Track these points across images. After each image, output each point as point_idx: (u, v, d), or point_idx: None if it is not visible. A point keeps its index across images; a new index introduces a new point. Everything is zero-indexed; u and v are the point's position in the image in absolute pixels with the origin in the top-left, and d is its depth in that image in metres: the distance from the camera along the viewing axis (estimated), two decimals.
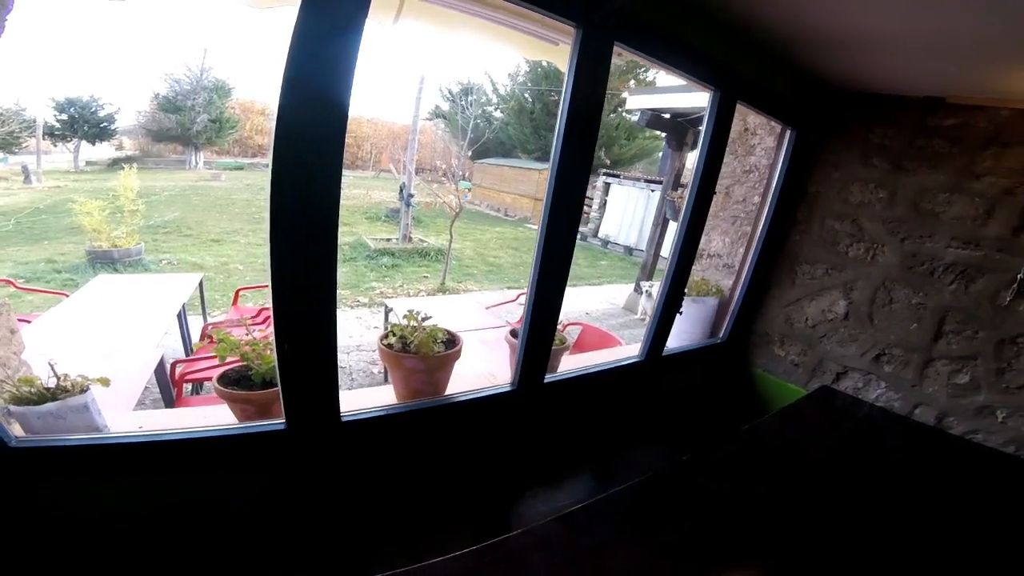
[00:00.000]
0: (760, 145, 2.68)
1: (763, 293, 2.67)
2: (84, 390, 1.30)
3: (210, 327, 2.77)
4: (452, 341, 1.70)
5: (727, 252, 2.82)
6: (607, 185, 15.05)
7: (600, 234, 14.60)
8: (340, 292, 6.39)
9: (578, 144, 1.51)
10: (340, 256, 1.19)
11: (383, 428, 1.44)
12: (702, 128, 2.05)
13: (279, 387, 1.22)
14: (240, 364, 1.42)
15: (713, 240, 2.91)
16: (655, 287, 2.67)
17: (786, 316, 2.60)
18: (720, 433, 1.75)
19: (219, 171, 18.32)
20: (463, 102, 19.99)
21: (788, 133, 2.44)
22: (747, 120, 2.73)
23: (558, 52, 1.73)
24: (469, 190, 18.41)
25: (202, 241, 8.54)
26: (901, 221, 2.19)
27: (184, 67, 19.53)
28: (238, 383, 1.36)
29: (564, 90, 1.46)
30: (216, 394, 1.32)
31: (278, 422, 1.27)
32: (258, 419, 1.34)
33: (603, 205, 14.98)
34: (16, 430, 1.16)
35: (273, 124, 1.01)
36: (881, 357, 2.29)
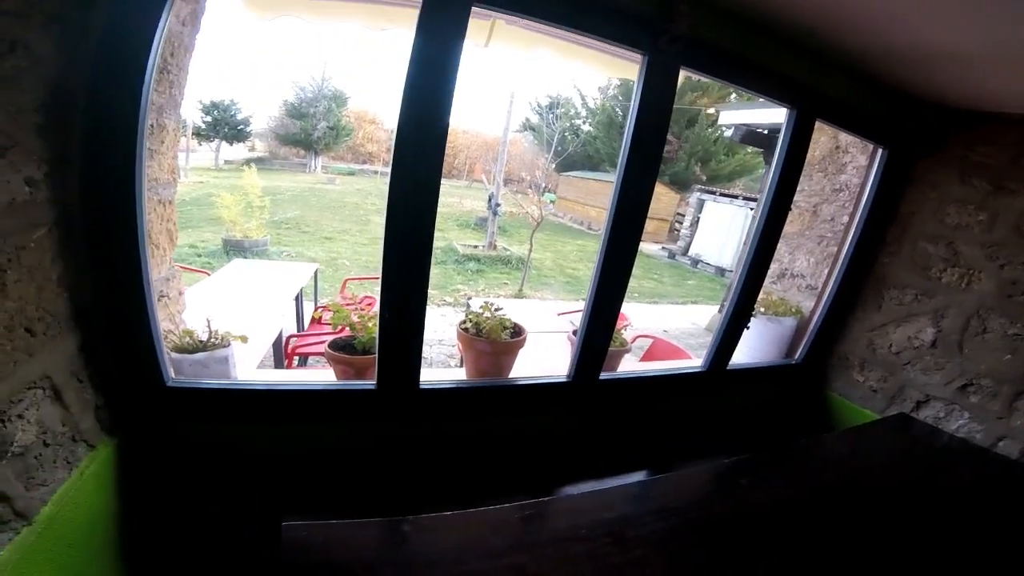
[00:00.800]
0: (851, 163, 2.61)
1: (846, 316, 2.59)
2: (227, 344, 1.66)
3: (321, 309, 3.22)
4: (518, 331, 1.92)
5: (811, 272, 2.76)
6: (701, 202, 14.54)
7: (691, 252, 14.11)
8: (429, 291, 6.85)
9: (641, 164, 1.65)
10: (432, 258, 1.45)
11: (452, 398, 1.68)
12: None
13: (376, 355, 1.50)
14: (347, 336, 1.73)
15: (797, 260, 2.86)
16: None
17: (868, 340, 2.50)
18: (777, 445, 1.79)
19: (333, 175, 20.20)
20: (551, 115, 20.48)
21: (879, 152, 2.37)
22: (839, 138, 2.68)
23: (636, 69, 1.88)
24: (553, 202, 18.66)
25: (317, 238, 9.58)
26: (1001, 246, 2.06)
27: (309, 77, 21.86)
28: (343, 349, 1.66)
29: (631, 111, 1.62)
30: (325, 356, 1.64)
31: (370, 383, 1.55)
32: (355, 380, 1.64)
33: (695, 222, 14.49)
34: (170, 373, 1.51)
35: (393, 137, 1.28)
36: (968, 387, 2.15)
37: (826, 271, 2.64)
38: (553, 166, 14.08)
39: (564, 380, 1.91)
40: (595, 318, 1.81)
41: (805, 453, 1.77)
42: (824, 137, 2.80)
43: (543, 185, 9.48)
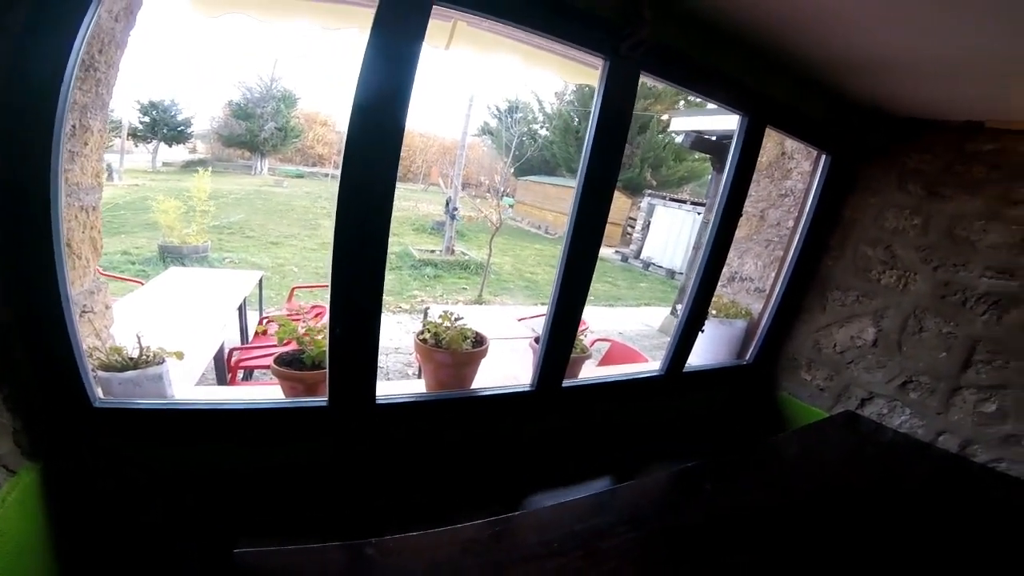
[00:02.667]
0: (796, 169, 2.71)
1: (792, 318, 2.68)
2: (161, 362, 1.52)
3: (267, 320, 3.04)
4: (480, 341, 1.86)
5: (759, 276, 2.85)
6: (652, 206, 14.96)
7: (642, 255, 14.50)
8: (384, 298, 6.70)
9: (602, 169, 1.64)
10: (387, 264, 1.37)
11: (411, 413, 1.60)
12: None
13: (326, 369, 1.40)
14: (294, 349, 1.61)
15: (746, 263, 2.95)
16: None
17: (814, 341, 2.60)
18: (736, 447, 1.81)
19: (282, 178, 19.46)
20: (509, 119, 20.56)
21: (823, 158, 2.47)
22: (784, 144, 2.78)
23: (596, 75, 1.87)
24: (512, 206, 18.75)
25: (262, 243, 9.15)
26: (934, 249, 2.18)
27: (256, 77, 20.97)
28: (291, 364, 1.55)
29: (591, 116, 1.60)
30: (272, 372, 1.52)
31: (322, 399, 1.45)
32: (305, 396, 1.53)
33: (647, 226, 14.89)
34: (98, 393, 1.37)
35: (344, 138, 1.20)
36: (907, 384, 2.26)
37: (773, 274, 2.73)
38: (511, 170, 14.14)
39: (527, 389, 1.87)
40: (557, 326, 1.77)
41: (763, 455, 1.80)
42: (771, 143, 2.90)
43: (502, 189, 9.47)
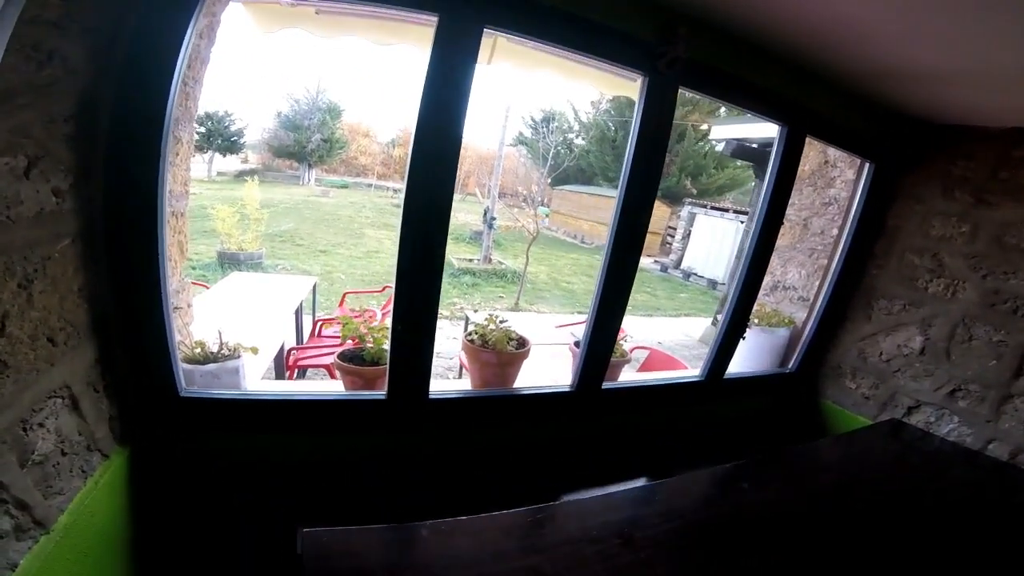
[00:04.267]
0: (840, 178, 2.70)
1: (837, 326, 2.66)
2: (238, 356, 1.68)
3: (320, 322, 3.25)
4: (523, 343, 1.96)
5: (803, 285, 2.84)
6: (692, 215, 14.71)
7: (683, 265, 14.24)
8: None
9: (642, 181, 1.72)
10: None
11: (460, 408, 1.71)
12: None
13: (387, 364, 1.53)
14: (355, 347, 1.76)
15: (789, 272, 2.94)
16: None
17: (859, 350, 2.57)
18: (774, 450, 1.83)
19: (327, 188, 20.17)
20: (544, 129, 20.71)
21: (866, 166, 2.46)
22: (827, 152, 2.77)
23: (635, 87, 1.95)
24: (547, 216, 18.81)
25: (311, 251, 9.58)
26: (983, 257, 2.14)
27: (304, 89, 21.86)
28: (352, 360, 1.69)
29: (632, 130, 1.68)
30: (335, 367, 1.66)
31: (380, 393, 1.58)
32: (364, 390, 1.66)
33: (687, 235, 14.64)
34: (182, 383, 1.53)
35: (410, 149, 1.34)
36: (956, 393, 2.22)
37: (817, 283, 2.72)
38: (547, 180, 14.27)
39: (568, 390, 1.95)
40: (598, 329, 1.85)
41: (801, 457, 1.82)
42: (813, 152, 2.90)
43: (538, 199, 9.59)
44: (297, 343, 3.73)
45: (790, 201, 2.95)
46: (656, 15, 1.56)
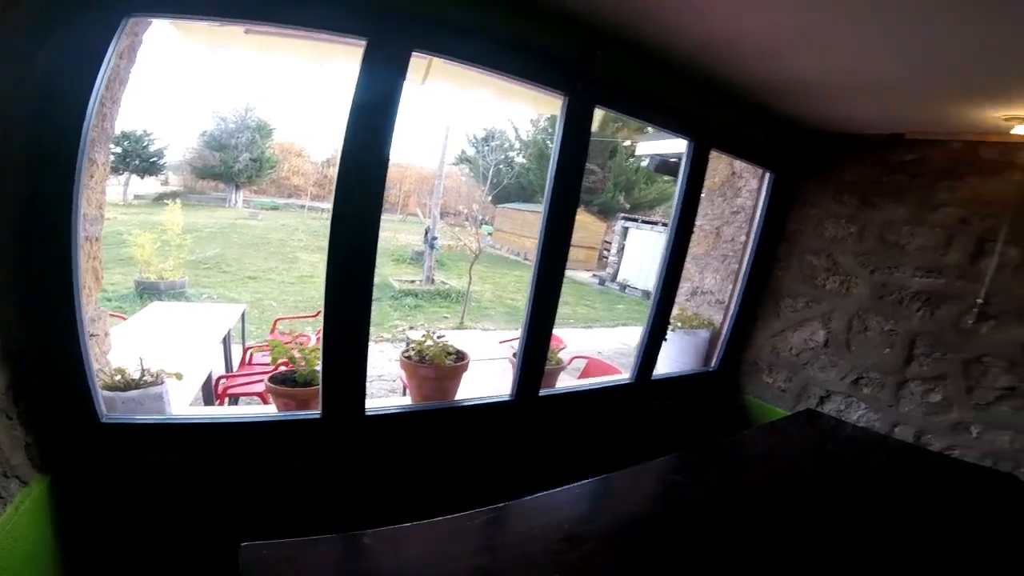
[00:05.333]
0: (746, 188, 2.96)
1: (750, 325, 2.88)
2: (161, 382, 1.61)
3: (251, 350, 3.12)
4: (461, 356, 1.99)
5: (718, 288, 3.06)
6: (625, 229, 15.30)
7: (619, 278, 14.75)
8: None
9: (564, 196, 1.83)
10: (374, 284, 1.51)
11: (398, 422, 1.71)
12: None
13: (320, 384, 1.52)
14: (287, 370, 1.72)
15: (706, 278, 3.16)
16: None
17: (772, 346, 2.79)
18: (705, 443, 1.96)
19: (256, 210, 19.25)
20: (486, 148, 20.92)
21: (767, 176, 2.71)
22: (734, 165, 3.03)
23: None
24: (491, 234, 18.97)
25: (239, 278, 9.12)
26: (870, 254, 2.41)
27: (231, 107, 20.80)
28: (284, 383, 1.66)
29: (553, 148, 1.79)
30: (267, 390, 1.62)
31: (315, 412, 1.56)
32: (299, 411, 1.63)
33: (621, 249, 15.21)
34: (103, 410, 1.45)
35: (337, 170, 1.36)
36: (860, 381, 2.45)
37: (731, 286, 2.94)
38: (489, 198, 14.41)
39: (507, 399, 2.00)
40: (531, 339, 1.92)
41: (729, 449, 1.96)
42: (722, 165, 3.15)
43: (480, 217, 9.67)
44: (227, 372, 3.55)
45: (703, 212, 3.22)
46: (575, 38, 1.68)
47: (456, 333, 6.67)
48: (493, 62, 1.59)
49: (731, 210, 3.03)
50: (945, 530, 1.50)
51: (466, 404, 1.90)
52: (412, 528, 1.15)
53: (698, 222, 3.32)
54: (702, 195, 3.38)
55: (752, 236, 2.78)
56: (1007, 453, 2.05)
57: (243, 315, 3.93)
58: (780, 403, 2.77)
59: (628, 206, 20.54)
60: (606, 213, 19.82)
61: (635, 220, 15.17)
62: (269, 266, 10.39)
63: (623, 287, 14.23)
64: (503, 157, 21.96)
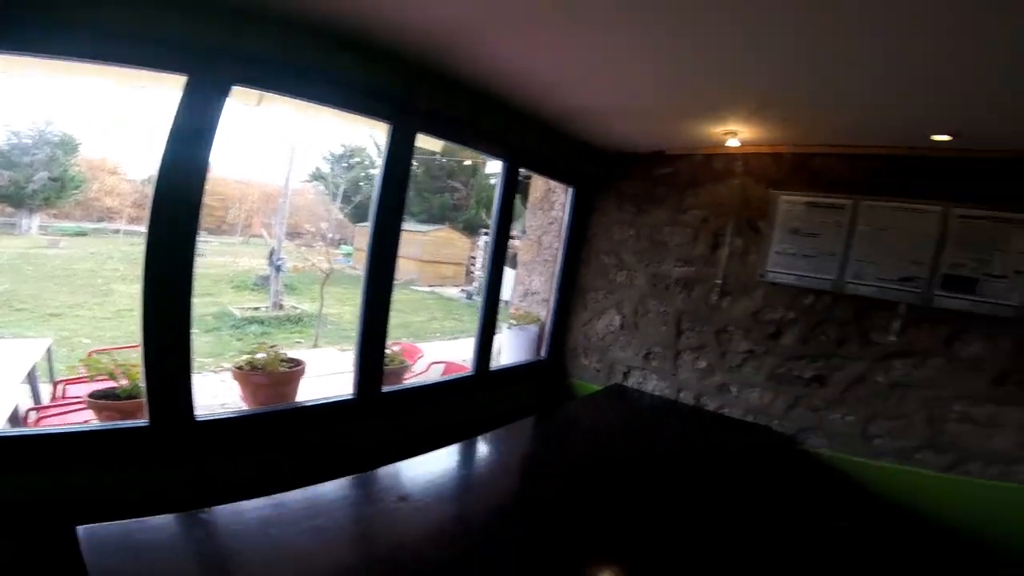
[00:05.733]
0: (558, 201, 3.49)
1: (568, 318, 3.38)
2: None
3: (63, 383, 2.80)
4: (296, 363, 2.11)
5: (543, 289, 3.55)
6: (487, 244, 15.95)
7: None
8: (204, 359, 6.25)
9: (389, 214, 2.08)
10: (203, 327, 1.58)
11: (234, 426, 1.77)
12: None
13: (144, 394, 1.54)
14: (108, 387, 1.69)
15: (534, 281, 3.64)
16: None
17: (584, 333, 3.32)
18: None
19: (57, 237, 16.19)
20: (342, 164, 20.17)
21: (570, 190, 3.26)
22: (549, 182, 3.55)
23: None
24: (350, 255, 18.32)
25: (38, 316, 7.70)
26: (644, 251, 3.04)
27: (28, 120, 17.29)
28: (106, 398, 1.64)
29: (380, 170, 2.05)
30: (88, 406, 1.59)
31: (142, 421, 1.57)
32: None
33: (484, 264, 15.83)
34: None
35: (152, 193, 1.42)
36: (649, 355, 3.06)
37: (552, 286, 3.44)
38: (343, 216, 13.89)
39: (349, 397, 2.15)
40: (366, 339, 2.12)
41: (553, 418, 2.37)
42: (540, 182, 3.68)
43: (334, 236, 9.40)
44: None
45: (529, 223, 3.71)
46: (399, 74, 1.93)
47: (311, 352, 6.48)
48: (319, 96, 1.80)
49: (548, 221, 3.56)
50: (720, 480, 2.03)
51: (307, 404, 2.02)
52: (249, 503, 1.28)
53: (526, 232, 3.82)
54: (527, 209, 3.90)
55: (563, 242, 3.30)
56: (759, 408, 2.69)
57: (49, 351, 3.47)
58: (596, 381, 3.28)
59: (489, 222, 21.32)
60: (471, 229, 20.39)
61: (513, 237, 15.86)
62: (77, 301, 8.90)
63: None
64: (363, 174, 21.38)
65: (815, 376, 2.50)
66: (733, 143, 2.47)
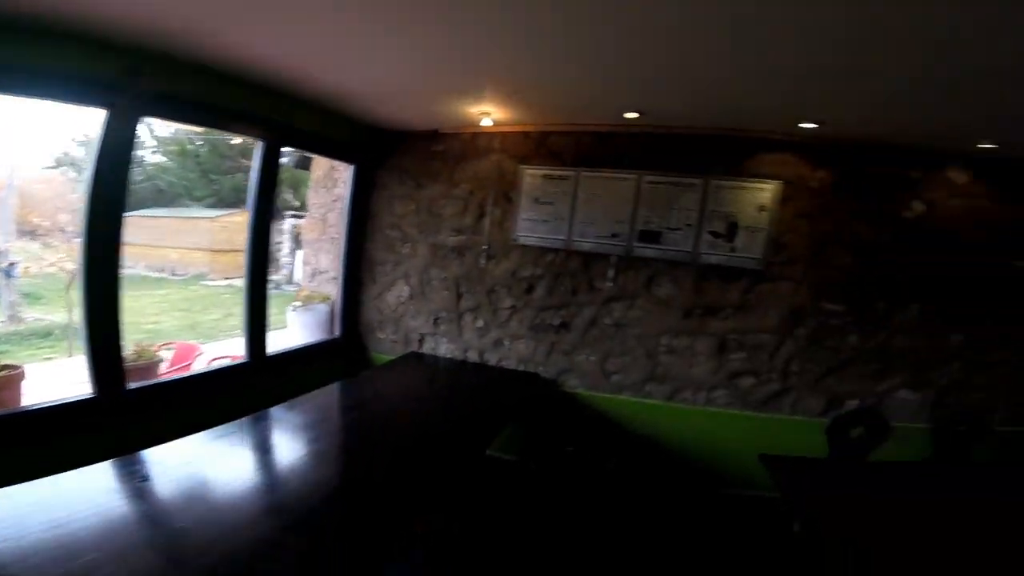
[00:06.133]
0: (341, 179, 3.49)
1: (359, 293, 3.44)
2: None
3: None
4: (14, 367, 1.84)
5: (331, 267, 3.54)
6: (293, 227, 14.76)
7: (295, 279, 14.21)
8: None
9: (107, 202, 1.90)
10: None
11: None
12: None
13: None
14: None
15: (321, 259, 3.60)
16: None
17: (376, 307, 3.43)
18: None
19: None
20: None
21: (351, 168, 3.28)
22: (332, 161, 3.51)
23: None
24: None
25: None
26: (424, 223, 3.24)
27: None
28: None
29: (93, 159, 1.84)
30: None
31: None
32: None
33: (293, 250, 14.64)
34: None
35: None
36: (437, 321, 3.29)
37: (339, 263, 3.45)
38: None
39: (89, 396, 1.95)
40: (95, 336, 1.94)
41: (352, 387, 2.56)
42: (324, 160, 3.61)
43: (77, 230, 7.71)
44: None
45: (312, 201, 3.63)
46: (113, 61, 1.77)
47: (69, 361, 5.41)
48: (24, 91, 1.65)
49: (332, 199, 3.54)
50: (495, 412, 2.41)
51: (36, 408, 1.80)
52: None
53: (309, 211, 3.73)
54: (310, 188, 3.80)
55: (347, 219, 3.32)
56: (527, 357, 3.12)
57: None
58: (395, 352, 3.40)
59: (298, 203, 19.75)
60: (275, 215, 18.59)
61: (302, 216, 14.78)
62: None
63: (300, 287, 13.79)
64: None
65: (562, 323, 3.01)
66: (487, 122, 2.75)
